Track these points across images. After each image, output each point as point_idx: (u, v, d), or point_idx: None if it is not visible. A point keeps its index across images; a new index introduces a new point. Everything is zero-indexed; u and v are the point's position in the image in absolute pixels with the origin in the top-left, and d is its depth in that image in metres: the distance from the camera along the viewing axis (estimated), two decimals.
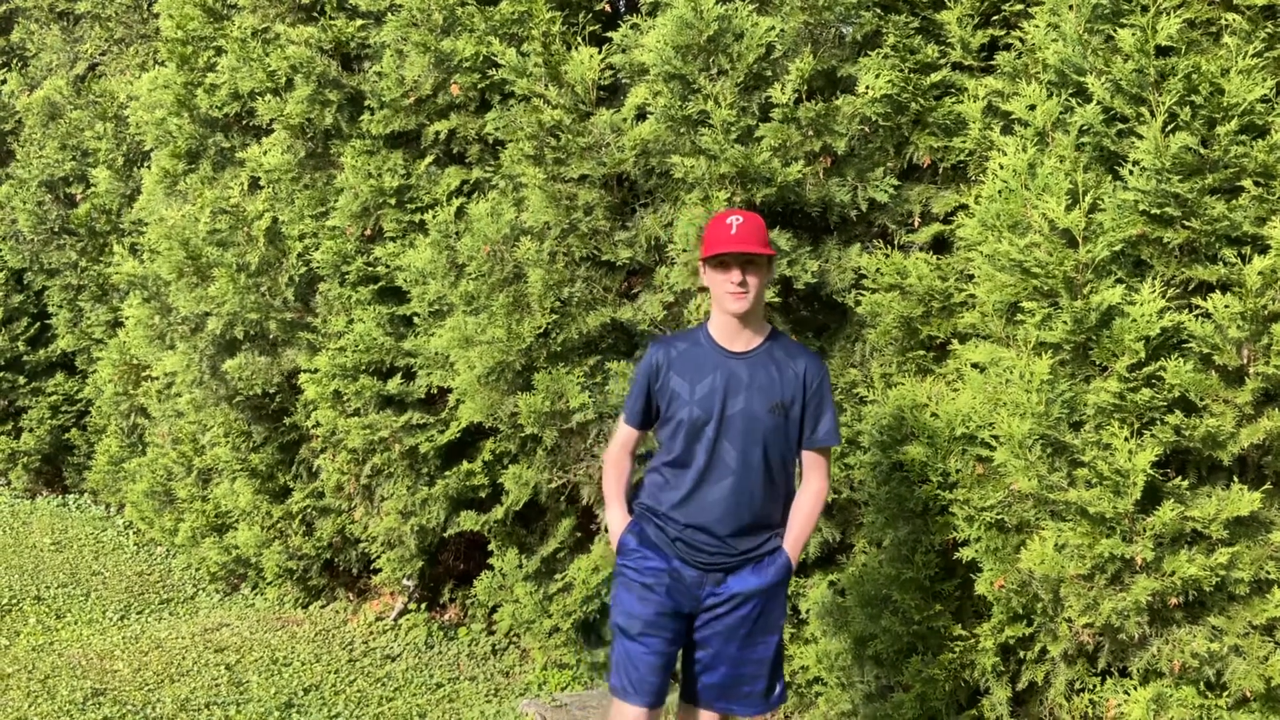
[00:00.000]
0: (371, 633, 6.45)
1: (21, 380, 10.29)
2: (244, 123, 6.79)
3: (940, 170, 4.57)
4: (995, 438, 3.85)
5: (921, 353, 4.44)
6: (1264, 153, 3.47)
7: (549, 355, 5.26)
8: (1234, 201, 3.54)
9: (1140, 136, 3.61)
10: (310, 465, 6.87)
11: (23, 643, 6.36)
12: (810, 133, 4.57)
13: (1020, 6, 4.29)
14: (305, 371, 6.42)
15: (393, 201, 5.92)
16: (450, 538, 6.27)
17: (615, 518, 3.62)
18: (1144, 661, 3.77)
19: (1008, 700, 4.13)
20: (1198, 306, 3.60)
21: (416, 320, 5.88)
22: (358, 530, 6.48)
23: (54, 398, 10.22)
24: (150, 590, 7.59)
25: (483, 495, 5.96)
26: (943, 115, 4.44)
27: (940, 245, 4.58)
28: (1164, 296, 3.60)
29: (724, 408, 3.40)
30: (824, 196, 4.65)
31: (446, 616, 6.59)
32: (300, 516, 6.87)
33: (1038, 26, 3.97)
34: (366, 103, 6.06)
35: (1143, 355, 3.55)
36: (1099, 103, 3.72)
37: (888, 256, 4.49)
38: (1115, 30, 3.69)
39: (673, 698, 3.73)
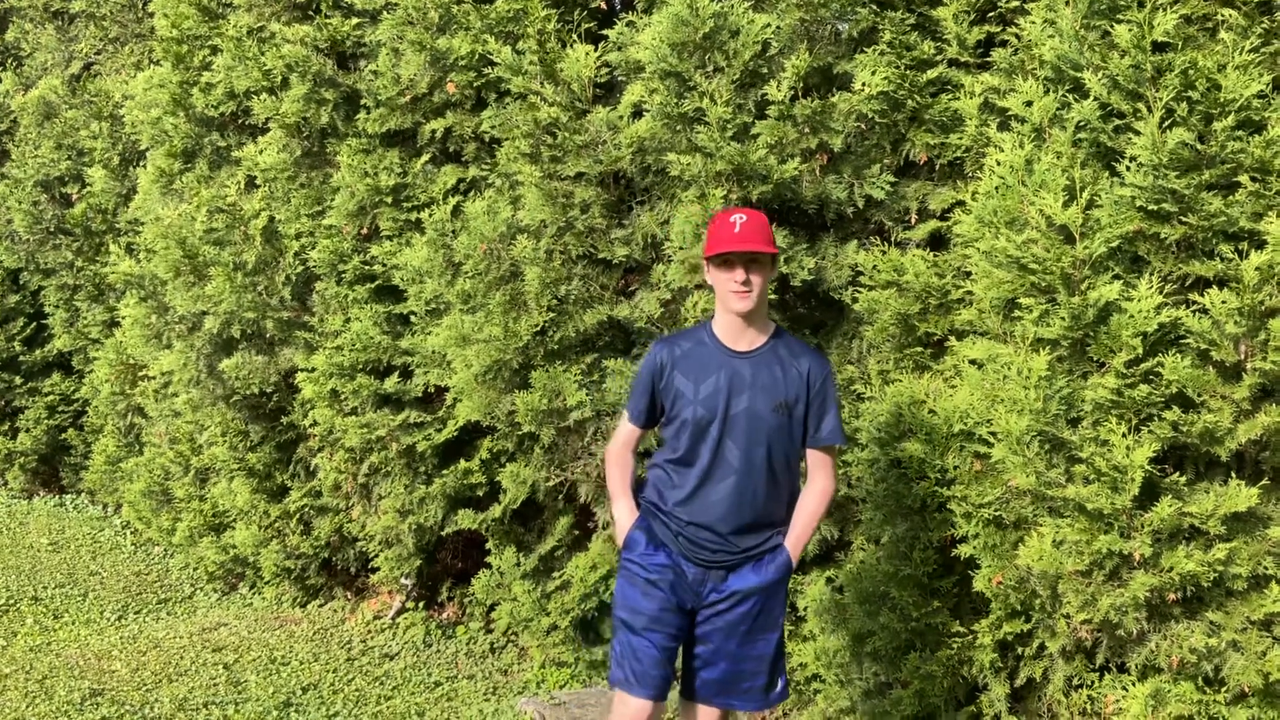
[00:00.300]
0: (369, 631, 6.45)
1: (18, 380, 10.27)
2: (240, 122, 6.78)
3: (937, 167, 4.56)
4: (993, 434, 3.85)
5: (919, 349, 4.43)
6: (1260, 148, 3.47)
7: (546, 353, 5.25)
8: (1231, 197, 3.54)
9: (1137, 132, 3.61)
10: (308, 464, 6.87)
11: (20, 643, 6.35)
12: (806, 130, 4.56)
13: (1016, 3, 4.27)
14: (302, 370, 6.41)
15: (389, 200, 5.91)
16: (448, 536, 6.26)
17: (623, 512, 3.62)
18: (1142, 657, 3.77)
19: (1006, 696, 4.13)
20: (1195, 302, 3.59)
21: (413, 319, 5.88)
22: (355, 529, 6.47)
23: (50, 398, 10.20)
24: (148, 590, 7.58)
25: (480, 494, 5.96)
26: (939, 112, 4.44)
27: (937, 242, 4.58)
28: (1161, 292, 3.59)
29: (728, 407, 3.40)
30: (820, 194, 4.64)
31: (444, 615, 6.58)
32: (298, 515, 6.87)
33: (1034, 23, 3.96)
34: (362, 101, 6.06)
35: (1140, 351, 3.55)
36: (1096, 99, 3.71)
37: (885, 253, 4.48)
38: (1112, 26, 3.69)
39: (672, 695, 3.72)
